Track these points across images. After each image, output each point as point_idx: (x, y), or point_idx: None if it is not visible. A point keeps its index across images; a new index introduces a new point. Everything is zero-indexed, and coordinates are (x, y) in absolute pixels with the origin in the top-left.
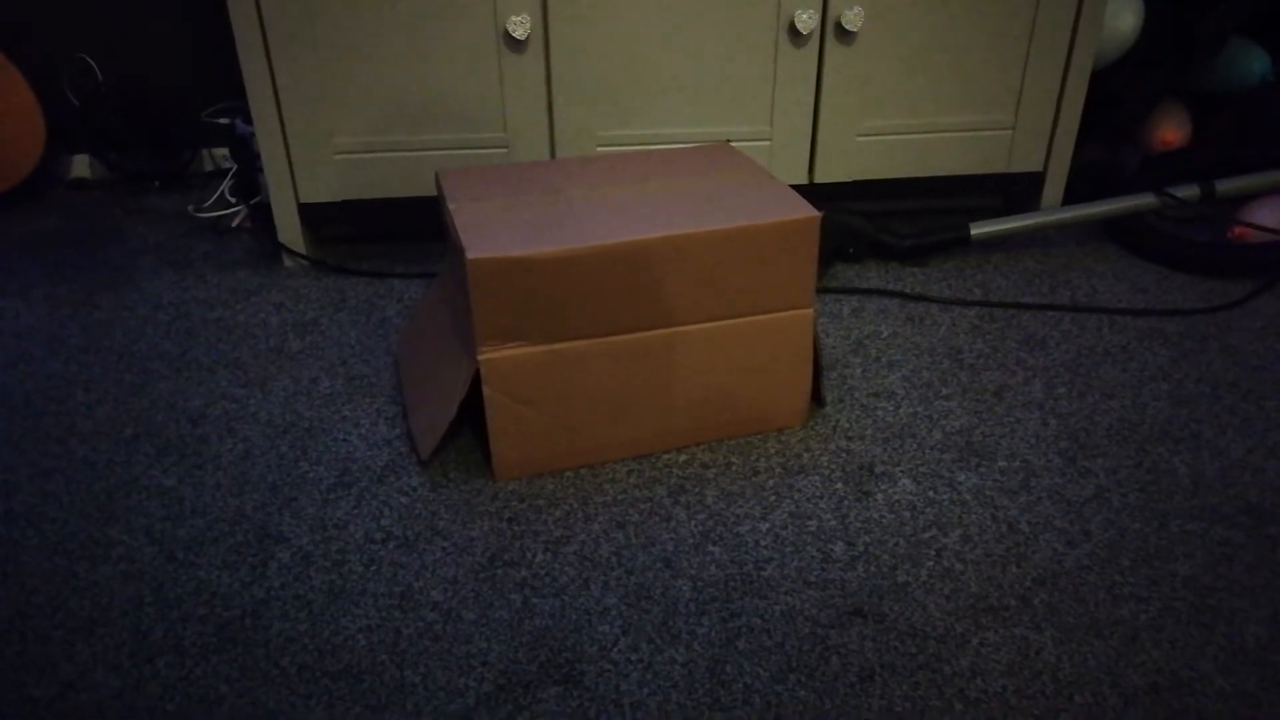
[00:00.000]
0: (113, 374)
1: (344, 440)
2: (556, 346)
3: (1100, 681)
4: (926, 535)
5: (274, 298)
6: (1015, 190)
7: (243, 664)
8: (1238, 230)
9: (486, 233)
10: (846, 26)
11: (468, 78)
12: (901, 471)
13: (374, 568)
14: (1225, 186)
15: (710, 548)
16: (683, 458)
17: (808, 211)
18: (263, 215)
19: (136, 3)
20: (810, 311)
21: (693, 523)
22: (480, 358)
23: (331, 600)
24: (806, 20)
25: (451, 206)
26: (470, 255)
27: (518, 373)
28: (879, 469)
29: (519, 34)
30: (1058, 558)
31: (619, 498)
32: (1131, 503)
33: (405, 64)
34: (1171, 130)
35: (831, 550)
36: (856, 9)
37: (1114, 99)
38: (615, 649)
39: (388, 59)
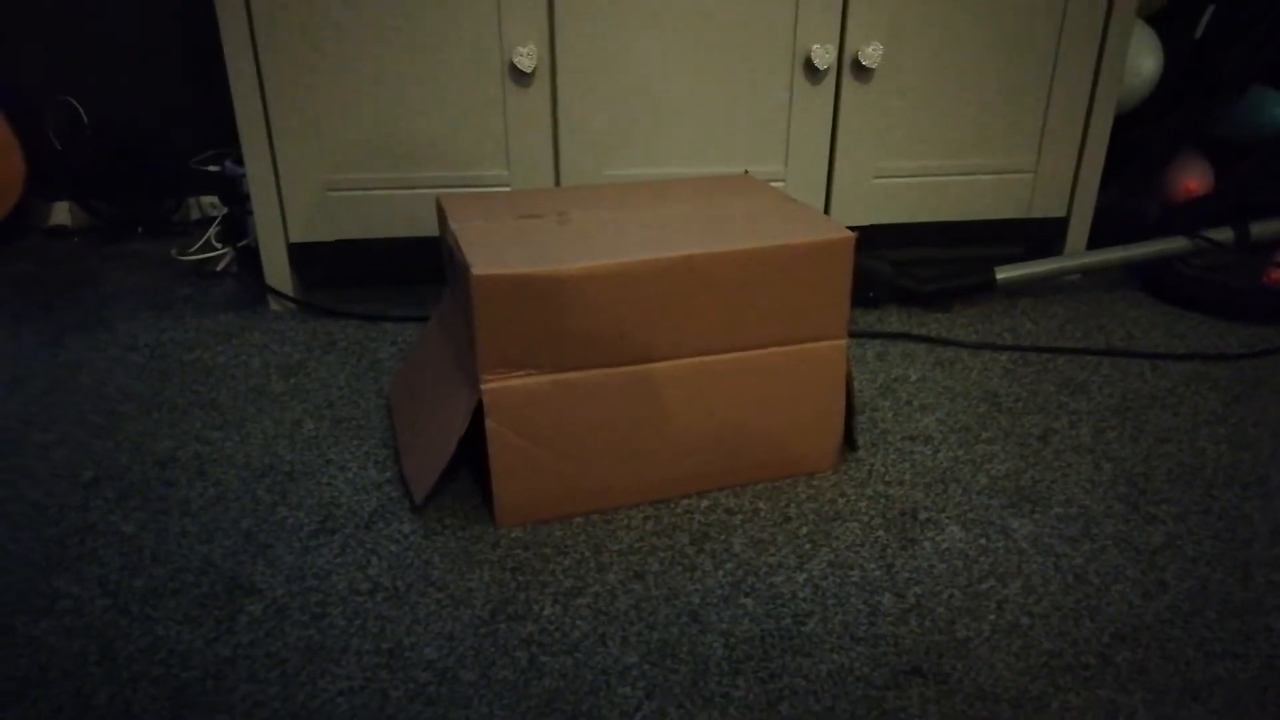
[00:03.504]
0: (75, 415)
1: (328, 484)
2: (567, 376)
3: None
4: (984, 586)
5: (257, 339)
6: (1038, 236)
7: None
8: (1275, 274)
9: (493, 250)
10: (864, 63)
11: (470, 112)
12: (948, 518)
13: (358, 622)
14: (1260, 229)
15: (742, 600)
16: (704, 503)
17: (841, 233)
18: (250, 259)
19: (125, 45)
20: (844, 343)
21: (720, 573)
22: (483, 387)
23: (308, 659)
24: (823, 55)
25: (454, 227)
26: (475, 272)
27: (524, 405)
28: (923, 515)
29: (525, 66)
30: (1135, 611)
31: (636, 545)
32: (1207, 551)
33: (405, 98)
34: (1193, 179)
35: (879, 603)
36: (875, 45)
37: (1135, 145)
38: (638, 714)
39: (387, 92)
